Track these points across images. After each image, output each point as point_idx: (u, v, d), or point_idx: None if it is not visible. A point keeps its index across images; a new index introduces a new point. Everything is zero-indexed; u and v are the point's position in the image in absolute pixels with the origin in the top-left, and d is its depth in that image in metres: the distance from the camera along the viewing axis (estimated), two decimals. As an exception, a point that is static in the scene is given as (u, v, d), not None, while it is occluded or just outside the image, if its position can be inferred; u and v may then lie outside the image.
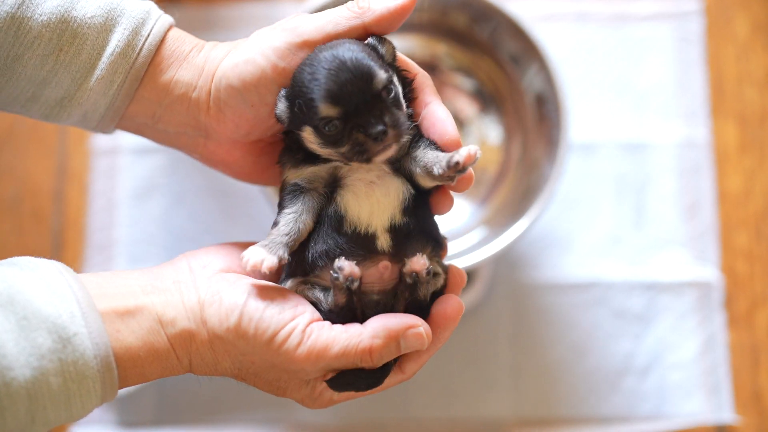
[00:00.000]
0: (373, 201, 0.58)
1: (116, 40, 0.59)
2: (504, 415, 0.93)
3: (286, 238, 0.57)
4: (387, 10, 0.58)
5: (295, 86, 0.56)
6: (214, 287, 0.57)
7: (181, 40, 0.61)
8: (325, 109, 0.54)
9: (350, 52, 0.55)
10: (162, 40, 0.60)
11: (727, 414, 0.93)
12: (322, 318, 0.58)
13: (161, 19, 0.61)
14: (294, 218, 0.58)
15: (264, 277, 0.59)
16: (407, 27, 0.97)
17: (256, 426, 0.93)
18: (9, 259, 0.55)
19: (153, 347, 0.55)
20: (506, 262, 0.97)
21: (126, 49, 0.59)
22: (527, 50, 0.89)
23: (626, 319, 0.96)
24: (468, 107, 0.98)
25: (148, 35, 0.60)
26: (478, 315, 0.95)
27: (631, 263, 0.97)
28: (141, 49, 0.59)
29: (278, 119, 0.58)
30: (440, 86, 0.99)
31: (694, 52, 1.02)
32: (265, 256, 0.56)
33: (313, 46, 0.57)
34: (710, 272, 0.97)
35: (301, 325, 0.56)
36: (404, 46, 0.99)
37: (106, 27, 0.59)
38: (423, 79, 0.60)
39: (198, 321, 0.56)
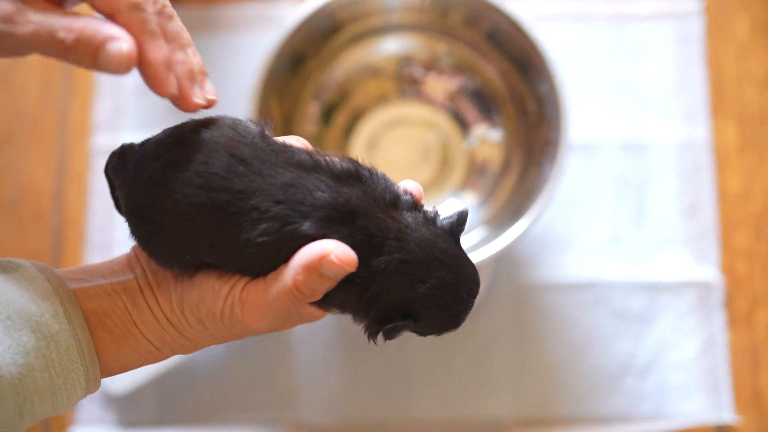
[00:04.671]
0: None
1: None
2: (504, 414, 0.93)
3: None
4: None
5: (430, 306, 0.54)
6: (163, 286, 0.57)
7: None
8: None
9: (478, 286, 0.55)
10: None
11: (727, 414, 0.93)
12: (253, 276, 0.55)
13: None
14: None
15: None
16: (407, 27, 0.97)
17: (256, 426, 0.93)
18: None
19: (131, 343, 0.57)
20: (506, 262, 0.97)
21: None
22: (527, 50, 0.89)
23: (626, 319, 0.96)
24: (469, 107, 0.98)
25: None
26: (478, 315, 0.95)
27: (631, 263, 0.97)
28: None
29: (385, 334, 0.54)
30: (440, 86, 0.99)
31: (694, 52, 1.02)
32: None
33: None
34: (710, 272, 0.97)
35: (237, 292, 0.55)
36: (404, 46, 0.99)
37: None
38: None
39: (164, 321, 0.57)
